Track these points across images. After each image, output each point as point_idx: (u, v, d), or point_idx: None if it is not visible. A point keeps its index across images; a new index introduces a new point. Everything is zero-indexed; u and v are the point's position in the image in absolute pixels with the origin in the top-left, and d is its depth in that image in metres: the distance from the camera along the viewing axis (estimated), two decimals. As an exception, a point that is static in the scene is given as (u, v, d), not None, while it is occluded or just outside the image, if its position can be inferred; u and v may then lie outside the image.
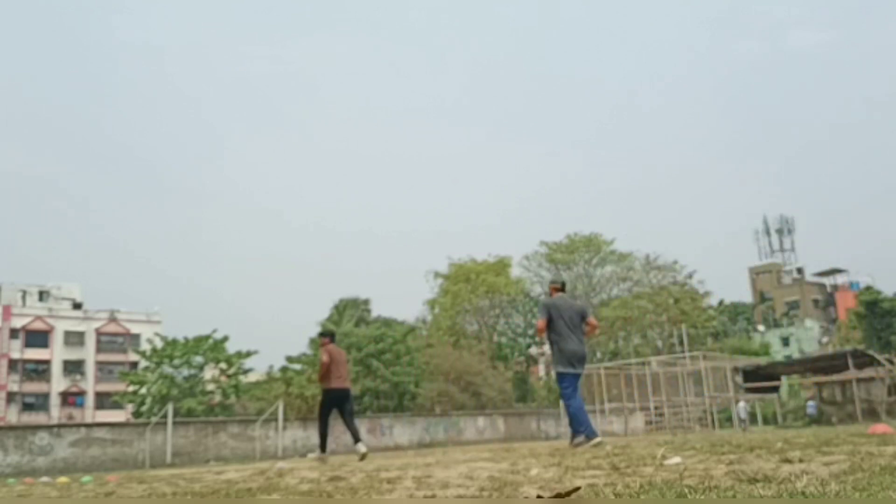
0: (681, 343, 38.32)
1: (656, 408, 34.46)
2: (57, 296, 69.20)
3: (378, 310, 53.77)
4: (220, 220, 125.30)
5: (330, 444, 11.57)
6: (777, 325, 79.73)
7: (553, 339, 8.74)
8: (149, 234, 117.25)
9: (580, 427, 8.55)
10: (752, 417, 38.94)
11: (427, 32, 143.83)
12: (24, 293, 67.60)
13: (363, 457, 10.01)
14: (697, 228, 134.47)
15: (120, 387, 44.33)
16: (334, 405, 10.91)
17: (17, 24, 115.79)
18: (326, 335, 11.57)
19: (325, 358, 10.76)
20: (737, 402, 36.52)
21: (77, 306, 68.94)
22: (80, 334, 66.09)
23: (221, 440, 24.63)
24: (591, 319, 8.93)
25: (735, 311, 76.90)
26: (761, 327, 76.78)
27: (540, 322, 8.82)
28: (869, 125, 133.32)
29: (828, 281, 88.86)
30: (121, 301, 73.48)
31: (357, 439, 10.70)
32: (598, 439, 8.29)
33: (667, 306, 48.18)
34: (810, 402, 38.07)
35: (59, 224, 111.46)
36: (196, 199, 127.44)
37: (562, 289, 9.22)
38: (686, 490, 3.70)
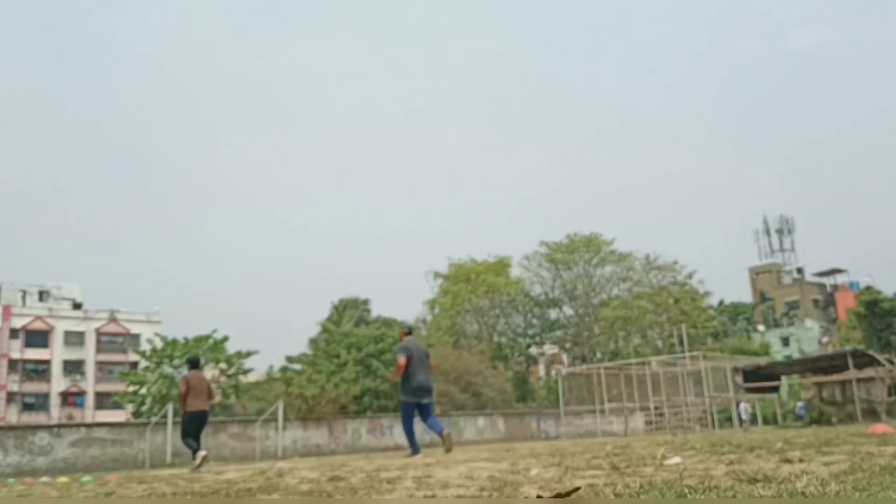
0: (681, 343, 38.30)
1: (656, 408, 34.44)
2: (57, 296, 69.18)
3: (378, 310, 53.86)
4: (220, 220, 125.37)
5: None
6: (777, 325, 79.70)
7: (407, 374, 10.90)
8: (149, 234, 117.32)
9: (412, 445, 11.01)
10: (753, 418, 38.92)
11: (427, 32, 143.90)
12: (24, 293, 67.59)
13: (202, 461, 12.00)
14: (697, 228, 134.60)
15: (120, 387, 44.30)
16: (195, 424, 12.95)
17: (17, 24, 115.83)
18: (189, 363, 13.74)
19: (182, 389, 12.83)
20: (738, 402, 36.52)
21: (77, 306, 68.92)
22: (80, 334, 66.07)
23: (221, 440, 24.61)
24: (432, 360, 11.42)
25: (735, 311, 76.86)
26: (761, 327, 76.76)
27: (402, 360, 10.94)
28: (869, 125, 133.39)
29: (828, 281, 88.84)
30: (121, 301, 73.54)
31: (197, 450, 12.59)
32: (419, 455, 10.17)
33: (667, 306, 48.14)
34: (800, 404, 37.98)
35: (59, 224, 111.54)
36: (196, 199, 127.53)
37: (410, 333, 11.69)
38: (686, 490, 3.70)
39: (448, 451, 10.17)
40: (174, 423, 23.66)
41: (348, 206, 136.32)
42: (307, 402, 28.48)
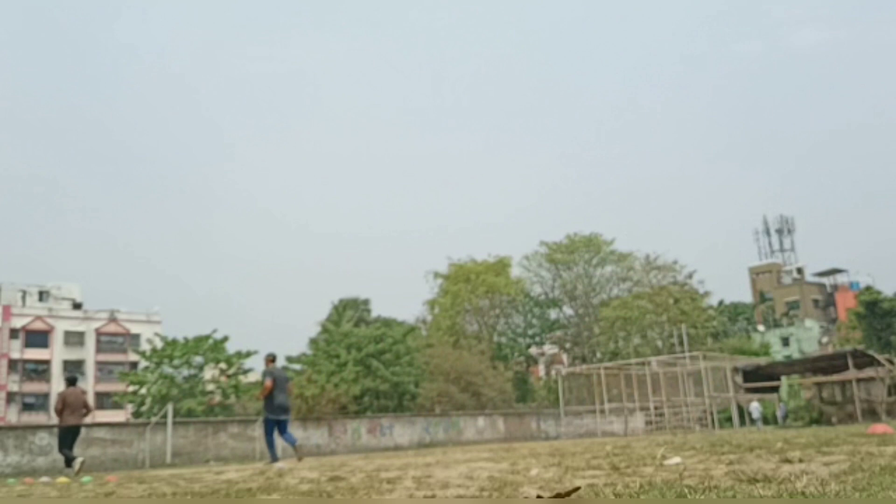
0: (681, 343, 38.29)
1: (656, 408, 34.44)
2: (57, 296, 69.14)
3: (378, 310, 53.74)
4: (220, 220, 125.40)
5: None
6: (777, 325, 79.67)
7: (271, 395, 12.99)
8: (149, 235, 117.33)
9: (272, 455, 12.94)
10: (765, 418, 38.81)
11: (426, 33, 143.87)
12: (24, 293, 67.55)
13: (80, 467, 13.15)
14: (697, 228, 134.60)
15: (120, 387, 44.28)
16: (70, 436, 14.19)
17: (23, 26, 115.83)
18: (67, 380, 15.17)
19: (58, 405, 14.10)
20: (748, 402, 36.60)
21: (77, 306, 68.89)
22: (80, 334, 66.04)
23: (221, 440, 24.61)
24: (290, 384, 13.79)
25: (735, 311, 76.79)
26: (761, 327, 76.72)
27: (269, 382, 13.02)
28: (869, 125, 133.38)
29: (828, 281, 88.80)
30: (121, 301, 73.49)
31: (70, 460, 13.80)
32: (279, 465, 11.32)
33: (667, 306, 48.11)
34: (754, 405, 37.73)
35: (60, 224, 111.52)
36: (196, 199, 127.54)
37: (274, 360, 13.62)
38: (686, 490, 3.70)
39: (300, 460, 12.30)
40: (174, 423, 23.69)
41: (348, 206, 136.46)
42: (307, 402, 28.47)
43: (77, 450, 14.73)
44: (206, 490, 6.08)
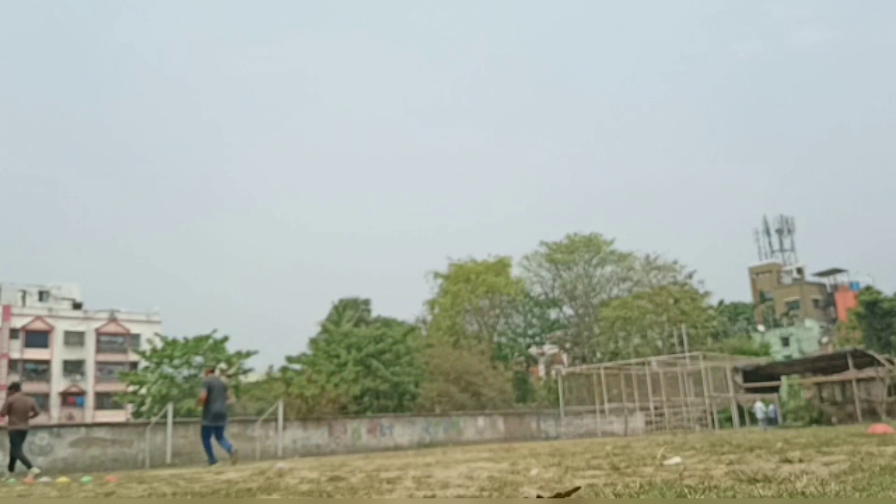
0: (681, 343, 38.29)
1: (656, 408, 34.42)
2: (57, 296, 69.12)
3: (378, 310, 53.74)
4: (220, 219, 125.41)
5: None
6: (777, 325, 79.65)
7: (208, 404, 14.14)
8: (149, 234, 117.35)
9: (210, 458, 14.15)
10: (752, 418, 38.86)
11: (426, 33, 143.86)
12: (24, 293, 67.53)
13: (37, 476, 13.62)
14: (697, 228, 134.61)
15: (120, 387, 44.26)
16: (19, 440, 15.06)
17: (22, 26, 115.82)
18: (11, 387, 16.01)
19: (3, 411, 14.95)
20: (754, 403, 36.61)
21: (77, 306, 68.86)
22: (80, 334, 66.02)
23: (221, 440, 24.60)
24: (229, 393, 14.96)
25: (735, 311, 76.75)
26: (761, 327, 76.70)
27: (203, 393, 14.25)
28: (869, 125, 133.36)
29: (828, 281, 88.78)
30: (121, 301, 73.44)
31: (30, 465, 14.61)
32: (217, 465, 12.82)
33: (667, 306, 48.08)
34: (758, 405, 37.53)
35: (60, 224, 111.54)
36: (196, 199, 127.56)
37: (213, 371, 15.39)
38: (686, 490, 3.70)
39: (234, 463, 13.21)
40: (174, 423, 23.67)
41: (348, 206, 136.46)
42: (307, 402, 28.46)
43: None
44: (206, 490, 6.08)
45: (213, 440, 14.51)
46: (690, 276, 51.03)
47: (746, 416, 38.00)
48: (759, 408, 37.25)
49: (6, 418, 15.04)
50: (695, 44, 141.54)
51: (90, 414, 60.93)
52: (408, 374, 33.92)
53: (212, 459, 14.06)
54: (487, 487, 4.64)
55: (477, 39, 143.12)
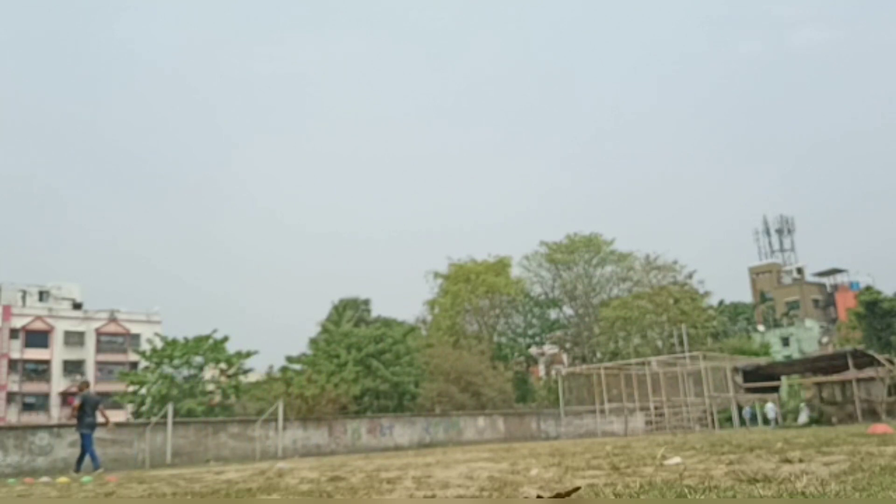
0: (681, 343, 38.28)
1: (656, 408, 34.41)
2: (57, 296, 69.10)
3: (378, 310, 53.68)
4: (221, 220, 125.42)
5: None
6: (777, 325, 79.65)
7: (83, 415, 15.81)
8: (149, 235, 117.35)
9: (95, 464, 15.55)
10: (753, 417, 38.86)
11: (427, 34, 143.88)
12: (24, 293, 67.52)
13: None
14: (698, 228, 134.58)
15: (120, 387, 44.22)
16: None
17: (22, 26, 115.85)
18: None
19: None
20: (764, 402, 36.70)
21: (77, 306, 68.85)
22: (80, 334, 66.00)
23: (221, 440, 24.61)
24: (101, 408, 16.51)
25: (735, 311, 76.74)
26: (761, 327, 76.70)
27: (76, 405, 15.99)
28: (869, 125, 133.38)
29: (828, 281, 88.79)
30: (121, 301, 73.42)
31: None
32: (100, 470, 14.93)
33: (667, 306, 48.06)
34: (769, 406, 37.57)
35: (60, 224, 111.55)
36: (196, 199, 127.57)
37: (88, 385, 17.23)
38: (686, 490, 3.70)
39: (76, 471, 14.82)
40: (174, 423, 23.69)
41: (348, 205, 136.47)
42: (307, 402, 28.44)
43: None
44: (206, 490, 6.08)
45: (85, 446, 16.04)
46: (690, 276, 51.04)
47: (759, 416, 38.32)
48: (770, 408, 37.40)
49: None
50: (695, 44, 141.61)
51: (90, 414, 60.84)
52: (408, 375, 33.91)
53: (97, 464, 15.58)
54: (487, 487, 4.64)
55: (477, 40, 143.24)
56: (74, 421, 16.15)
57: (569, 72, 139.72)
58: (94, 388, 65.73)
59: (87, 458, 15.95)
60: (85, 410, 15.93)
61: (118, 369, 55.70)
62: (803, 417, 35.30)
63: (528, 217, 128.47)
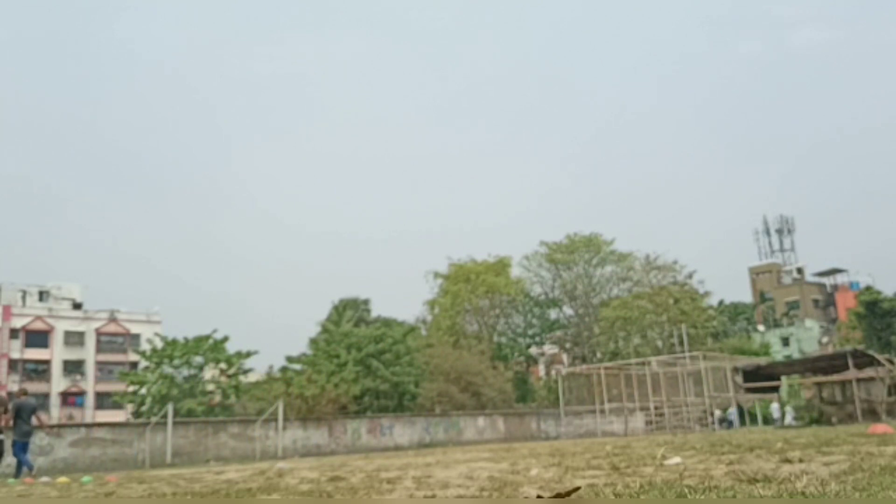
0: (681, 343, 38.27)
1: (656, 408, 34.41)
2: (57, 296, 69.10)
3: (378, 310, 53.69)
4: (221, 220, 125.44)
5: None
6: (777, 325, 79.64)
7: (18, 423, 15.97)
8: (149, 235, 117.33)
9: (27, 467, 16.01)
10: (753, 418, 38.88)
11: (428, 34, 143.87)
12: (24, 293, 67.52)
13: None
14: (697, 228, 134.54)
15: (120, 387, 44.23)
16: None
17: (22, 26, 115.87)
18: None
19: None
20: (771, 402, 36.86)
21: (77, 306, 68.85)
22: (80, 334, 66.01)
23: (221, 440, 24.62)
24: (37, 414, 17.03)
25: (735, 311, 76.73)
26: (761, 327, 76.70)
27: (9, 414, 16.02)
28: (870, 125, 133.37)
29: (828, 281, 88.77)
30: (121, 301, 73.39)
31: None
32: (33, 474, 15.63)
33: (667, 306, 48.05)
34: (731, 411, 37.49)
35: (60, 224, 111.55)
36: (196, 199, 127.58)
37: (25, 393, 17.43)
38: (686, 490, 3.70)
39: (16, 478, 14.98)
40: (174, 423, 23.69)
41: (348, 206, 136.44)
42: (307, 402, 28.44)
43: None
44: (206, 490, 6.08)
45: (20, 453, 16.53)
46: (690, 276, 51.03)
47: (769, 416, 38.47)
48: (775, 408, 37.47)
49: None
50: (695, 44, 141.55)
51: (90, 414, 60.93)
52: (408, 374, 33.91)
53: (29, 466, 16.18)
54: (487, 487, 4.64)
55: (477, 40, 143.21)
56: (10, 425, 16.10)
57: (569, 72, 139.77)
58: (94, 387, 65.98)
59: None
60: (22, 417, 16.12)
61: (118, 369, 55.71)
62: (788, 419, 35.73)
63: (528, 217, 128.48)
